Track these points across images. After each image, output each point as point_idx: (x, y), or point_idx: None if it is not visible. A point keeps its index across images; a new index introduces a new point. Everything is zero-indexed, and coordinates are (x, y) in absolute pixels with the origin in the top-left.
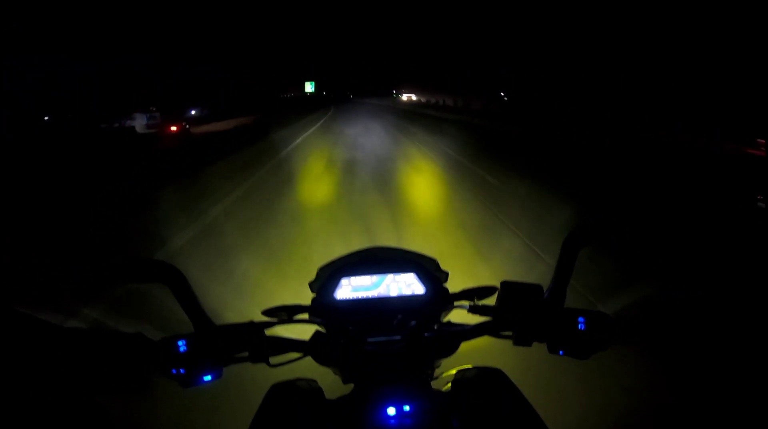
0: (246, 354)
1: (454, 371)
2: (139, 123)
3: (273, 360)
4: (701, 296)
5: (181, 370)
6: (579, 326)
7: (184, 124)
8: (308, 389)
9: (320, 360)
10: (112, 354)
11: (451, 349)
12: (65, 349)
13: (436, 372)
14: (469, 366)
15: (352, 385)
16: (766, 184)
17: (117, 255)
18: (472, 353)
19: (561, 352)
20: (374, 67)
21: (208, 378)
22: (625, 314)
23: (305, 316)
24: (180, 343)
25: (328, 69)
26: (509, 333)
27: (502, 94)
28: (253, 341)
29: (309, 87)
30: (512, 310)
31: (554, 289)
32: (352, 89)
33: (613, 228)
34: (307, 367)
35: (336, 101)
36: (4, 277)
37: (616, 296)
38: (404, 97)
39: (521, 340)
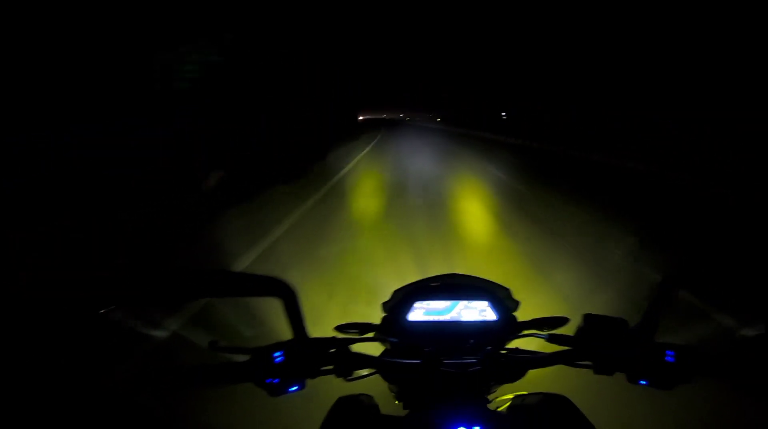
0: (330, 367)
1: (510, 396)
2: None
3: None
4: None
5: (275, 380)
6: (667, 359)
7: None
8: (370, 405)
9: (388, 377)
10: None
11: (518, 374)
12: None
13: (491, 395)
14: (521, 393)
15: (401, 404)
16: None
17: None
18: (530, 379)
19: (643, 383)
20: None
21: (294, 388)
22: (718, 349)
23: (371, 334)
24: (277, 354)
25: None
26: (586, 362)
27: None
28: (338, 356)
29: None
30: (596, 341)
31: (645, 323)
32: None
33: (713, 277)
34: (359, 382)
35: None
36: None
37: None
38: None
39: (603, 369)
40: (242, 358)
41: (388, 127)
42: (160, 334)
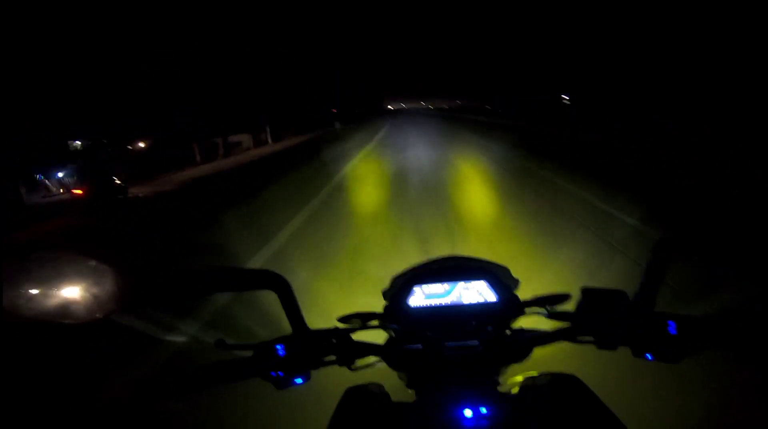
0: (333, 358)
1: (520, 377)
2: None
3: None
4: None
5: (280, 373)
6: (669, 330)
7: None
8: (380, 393)
9: (394, 364)
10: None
11: (523, 354)
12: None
13: (502, 378)
14: (530, 373)
15: (413, 391)
16: None
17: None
18: (539, 362)
19: (648, 356)
20: None
21: (299, 381)
22: (722, 318)
23: (376, 322)
24: (279, 347)
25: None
26: (588, 338)
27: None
28: (340, 346)
29: None
30: (595, 315)
31: (644, 293)
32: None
33: (710, 243)
34: (369, 373)
35: None
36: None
37: (711, 298)
38: None
39: (605, 343)
40: (248, 354)
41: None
42: (174, 337)
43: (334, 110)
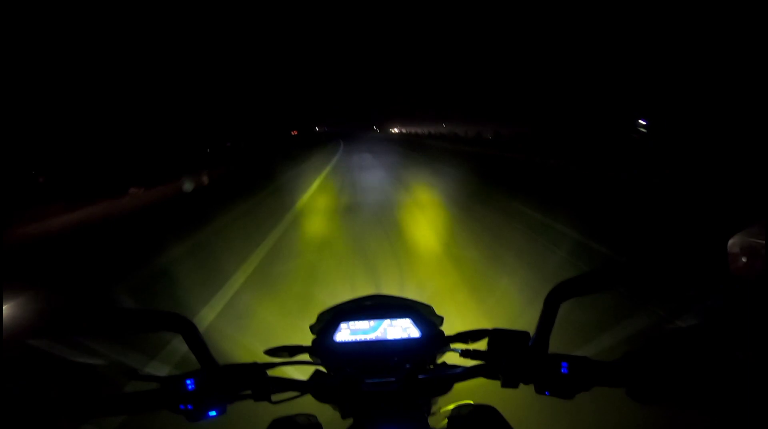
0: (250, 392)
1: (451, 407)
2: None
3: (275, 397)
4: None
5: (189, 406)
6: (562, 370)
7: None
8: (307, 424)
9: (320, 398)
10: (117, 392)
11: (445, 388)
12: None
13: (434, 408)
14: (464, 402)
15: (350, 420)
16: None
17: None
18: (471, 390)
19: (547, 393)
20: None
21: (213, 414)
22: (608, 357)
23: (306, 356)
24: (188, 381)
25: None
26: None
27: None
28: (256, 381)
29: None
30: (501, 356)
31: (538, 338)
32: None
33: (596, 285)
34: (309, 403)
35: None
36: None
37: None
38: None
39: (509, 382)
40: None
41: None
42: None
43: (294, 132)
